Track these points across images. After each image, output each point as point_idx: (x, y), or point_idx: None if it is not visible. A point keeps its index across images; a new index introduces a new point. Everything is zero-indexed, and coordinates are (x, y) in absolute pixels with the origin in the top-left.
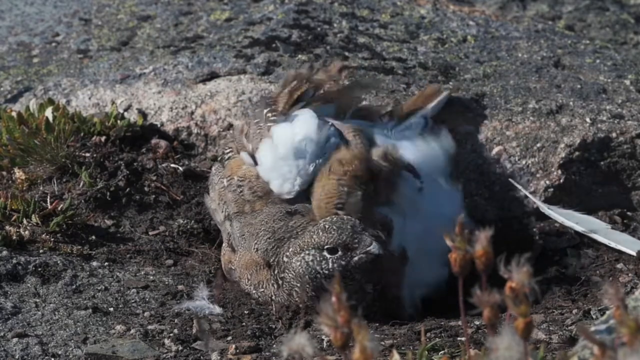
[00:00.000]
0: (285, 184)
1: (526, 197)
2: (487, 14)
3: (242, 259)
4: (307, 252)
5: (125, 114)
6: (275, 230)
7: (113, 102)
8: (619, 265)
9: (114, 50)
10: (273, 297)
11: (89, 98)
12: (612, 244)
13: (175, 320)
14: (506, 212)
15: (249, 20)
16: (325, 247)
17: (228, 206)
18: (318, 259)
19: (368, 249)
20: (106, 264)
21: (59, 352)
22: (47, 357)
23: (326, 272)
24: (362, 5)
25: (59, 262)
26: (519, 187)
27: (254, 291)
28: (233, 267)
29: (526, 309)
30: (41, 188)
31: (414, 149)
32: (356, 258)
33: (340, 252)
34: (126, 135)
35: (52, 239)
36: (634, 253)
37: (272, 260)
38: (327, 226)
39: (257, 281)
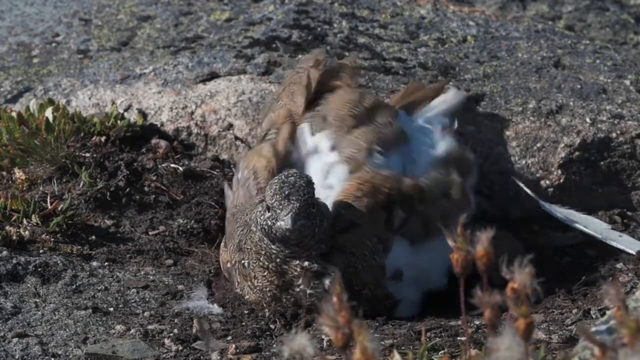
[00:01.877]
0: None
1: (527, 196)
2: (487, 14)
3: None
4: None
5: (125, 114)
6: (246, 221)
7: (113, 102)
8: (619, 265)
9: (114, 51)
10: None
11: (89, 98)
12: (612, 244)
13: (175, 320)
14: (506, 212)
15: (249, 20)
16: (265, 202)
17: (238, 199)
18: (261, 210)
19: (282, 221)
20: (106, 264)
21: (59, 352)
22: (47, 357)
23: (259, 226)
24: (362, 5)
25: (59, 262)
26: (521, 184)
27: (240, 292)
28: (230, 266)
29: (527, 309)
30: (41, 188)
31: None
32: (277, 224)
33: (269, 213)
34: (126, 136)
35: (52, 239)
36: (634, 253)
37: (244, 245)
38: (274, 180)
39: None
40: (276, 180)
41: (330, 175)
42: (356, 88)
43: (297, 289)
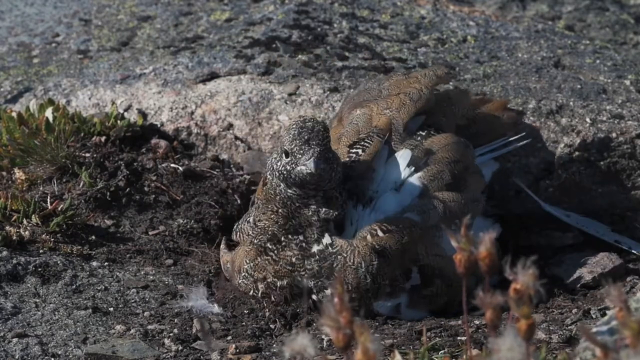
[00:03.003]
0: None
1: (527, 196)
2: (487, 14)
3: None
4: (276, 149)
5: (125, 114)
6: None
7: (113, 102)
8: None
9: (114, 51)
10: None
11: (89, 98)
12: (613, 244)
13: (175, 320)
14: (506, 211)
15: (249, 20)
16: (283, 147)
17: None
18: (276, 157)
19: (303, 165)
20: (106, 264)
21: (59, 352)
22: (47, 357)
23: (276, 172)
24: (362, 5)
25: (59, 262)
26: (522, 185)
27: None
28: (230, 266)
29: (529, 310)
30: (41, 188)
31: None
32: (297, 169)
33: (289, 158)
34: (126, 136)
35: (52, 239)
36: (636, 252)
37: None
38: (291, 126)
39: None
40: (294, 126)
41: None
42: (460, 138)
43: (294, 244)
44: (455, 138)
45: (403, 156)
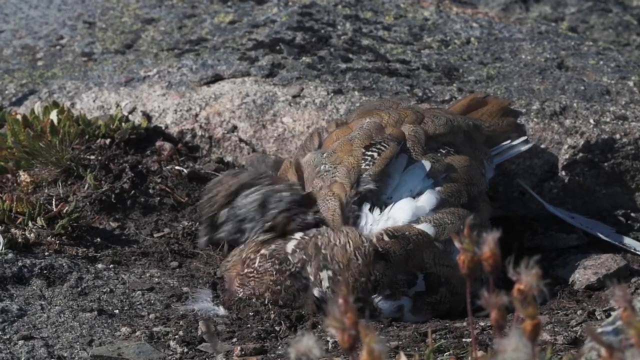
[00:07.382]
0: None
1: (531, 197)
2: (490, 16)
3: None
4: None
5: (130, 116)
6: None
7: (117, 105)
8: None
9: (118, 53)
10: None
11: (94, 101)
12: (617, 245)
13: (181, 322)
14: (510, 212)
15: (253, 22)
16: None
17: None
18: None
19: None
20: (111, 266)
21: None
22: None
23: None
24: (365, 7)
25: (64, 264)
26: (525, 186)
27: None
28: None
29: (534, 311)
30: (46, 191)
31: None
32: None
33: None
34: (131, 138)
35: (58, 242)
36: (639, 253)
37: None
38: (212, 183)
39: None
40: (210, 185)
41: (415, 223)
42: (477, 164)
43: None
44: (474, 162)
45: (422, 167)
